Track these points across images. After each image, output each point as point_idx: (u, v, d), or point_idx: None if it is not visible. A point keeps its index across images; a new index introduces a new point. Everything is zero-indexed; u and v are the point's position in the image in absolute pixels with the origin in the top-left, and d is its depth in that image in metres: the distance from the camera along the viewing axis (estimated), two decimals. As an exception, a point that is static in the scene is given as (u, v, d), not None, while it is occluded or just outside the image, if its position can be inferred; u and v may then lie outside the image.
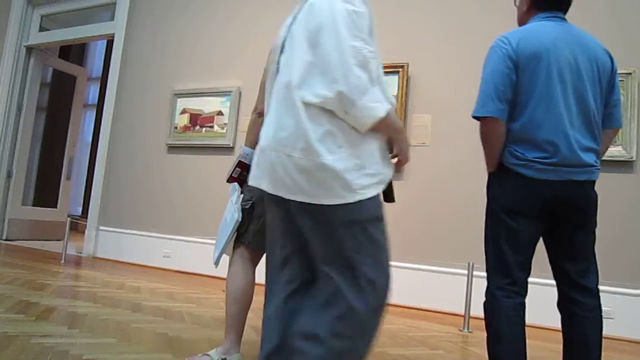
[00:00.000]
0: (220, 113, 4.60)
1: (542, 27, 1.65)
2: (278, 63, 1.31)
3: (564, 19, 1.71)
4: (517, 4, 1.82)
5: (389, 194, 1.35)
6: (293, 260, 1.30)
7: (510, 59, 1.58)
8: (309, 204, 1.17)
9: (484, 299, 1.66)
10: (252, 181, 1.31)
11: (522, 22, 1.79)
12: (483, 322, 1.64)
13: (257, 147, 1.30)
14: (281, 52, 1.30)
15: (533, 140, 1.57)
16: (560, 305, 1.68)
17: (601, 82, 1.64)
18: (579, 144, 1.57)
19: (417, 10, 3.85)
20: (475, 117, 1.62)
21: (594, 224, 1.66)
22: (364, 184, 1.18)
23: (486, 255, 1.69)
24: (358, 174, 1.17)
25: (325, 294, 1.19)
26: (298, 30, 1.23)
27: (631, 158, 3.11)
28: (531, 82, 1.58)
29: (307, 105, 1.16)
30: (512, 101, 1.59)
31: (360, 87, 1.13)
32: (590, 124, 1.61)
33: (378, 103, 1.17)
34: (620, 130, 2.15)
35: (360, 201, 1.17)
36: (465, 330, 2.90)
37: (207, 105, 4.69)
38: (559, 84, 1.57)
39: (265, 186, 1.24)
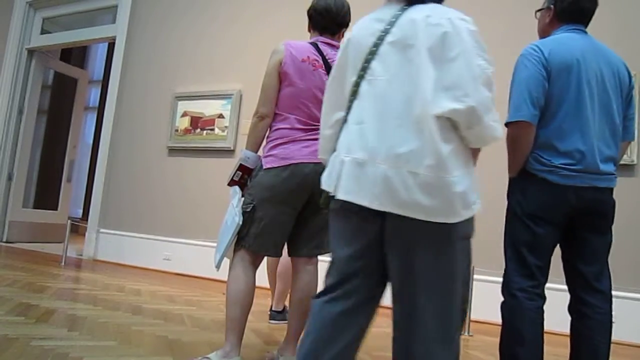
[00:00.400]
0: (221, 116, 4.61)
1: (569, 39, 1.70)
2: (364, 69, 1.25)
3: (586, 32, 1.76)
4: (538, 16, 1.87)
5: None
6: (365, 271, 1.26)
7: (544, 67, 1.62)
8: (426, 222, 1.14)
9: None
10: (345, 195, 1.19)
11: (544, 33, 1.83)
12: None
13: (350, 159, 1.20)
14: (371, 58, 1.24)
15: (560, 147, 1.60)
16: (572, 308, 1.70)
17: (622, 94, 1.70)
18: (601, 154, 1.62)
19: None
20: (506, 124, 1.64)
21: (610, 228, 1.70)
22: (474, 200, 1.20)
23: (506, 258, 1.71)
24: (471, 191, 1.19)
25: (439, 316, 1.19)
26: (416, 41, 1.19)
27: (632, 162, 3.11)
28: (562, 91, 1.61)
29: (436, 120, 1.14)
30: (541, 108, 1.62)
31: (487, 105, 1.16)
32: (613, 134, 1.67)
33: (498, 123, 1.19)
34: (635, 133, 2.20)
35: (469, 218, 1.20)
36: (466, 334, 2.89)
37: (208, 108, 4.69)
38: (587, 95, 1.62)
39: (368, 202, 1.16)
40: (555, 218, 1.63)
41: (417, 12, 1.23)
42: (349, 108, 1.27)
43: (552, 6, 1.79)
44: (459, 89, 1.14)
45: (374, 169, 1.16)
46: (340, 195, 1.20)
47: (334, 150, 1.29)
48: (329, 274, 1.31)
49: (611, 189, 1.67)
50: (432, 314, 1.17)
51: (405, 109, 1.17)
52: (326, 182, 1.28)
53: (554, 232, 1.64)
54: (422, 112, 1.14)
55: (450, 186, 1.14)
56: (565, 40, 1.70)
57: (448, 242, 1.18)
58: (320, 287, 1.35)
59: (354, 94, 1.26)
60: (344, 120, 1.28)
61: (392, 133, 1.16)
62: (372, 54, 1.24)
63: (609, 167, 1.64)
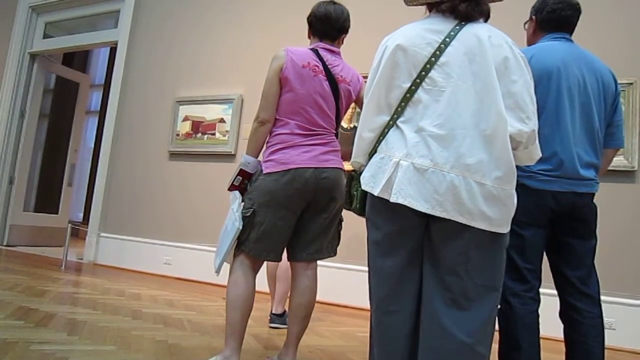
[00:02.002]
0: (222, 120, 4.62)
1: (551, 47, 1.72)
2: (421, 78, 1.26)
3: (571, 40, 1.77)
4: (526, 27, 1.90)
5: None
6: (417, 275, 1.29)
7: None
8: (485, 230, 1.20)
9: None
10: (403, 199, 1.20)
11: (530, 44, 1.86)
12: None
13: (408, 164, 1.21)
14: (430, 68, 1.25)
15: None
16: (563, 315, 1.71)
17: (606, 101, 1.71)
18: (581, 160, 1.64)
19: (409, 12, 3.86)
20: None
21: (593, 233, 1.72)
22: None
23: None
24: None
25: (484, 311, 1.23)
26: (483, 57, 1.23)
27: (633, 168, 3.11)
28: (541, 98, 1.62)
29: (508, 136, 1.20)
30: None
31: (537, 127, 1.26)
32: (593, 141, 1.68)
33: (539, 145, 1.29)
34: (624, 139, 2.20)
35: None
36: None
37: (209, 112, 4.70)
38: (567, 102, 1.64)
39: (430, 207, 1.18)
40: (539, 221, 1.65)
41: (478, 29, 1.27)
42: (397, 113, 1.28)
43: (533, 17, 1.83)
44: (522, 112, 1.22)
45: (440, 177, 1.18)
46: (397, 199, 1.21)
47: (374, 152, 1.32)
48: (375, 285, 1.33)
49: (592, 194, 1.69)
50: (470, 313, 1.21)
51: (472, 121, 1.20)
52: (368, 183, 1.29)
53: (540, 234, 1.66)
54: (495, 126, 1.19)
55: (511, 198, 1.22)
56: (547, 48, 1.72)
57: (499, 248, 1.25)
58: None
59: (407, 100, 1.27)
60: (390, 125, 1.29)
61: (459, 143, 1.19)
62: (430, 63, 1.26)
63: (589, 173, 1.66)
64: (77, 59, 7.79)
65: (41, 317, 2.51)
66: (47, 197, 6.36)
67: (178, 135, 4.84)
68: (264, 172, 1.90)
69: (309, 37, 2.12)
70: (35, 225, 6.11)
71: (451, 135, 1.20)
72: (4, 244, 5.80)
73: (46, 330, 2.28)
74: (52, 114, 6.44)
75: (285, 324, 2.80)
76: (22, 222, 5.99)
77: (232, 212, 1.90)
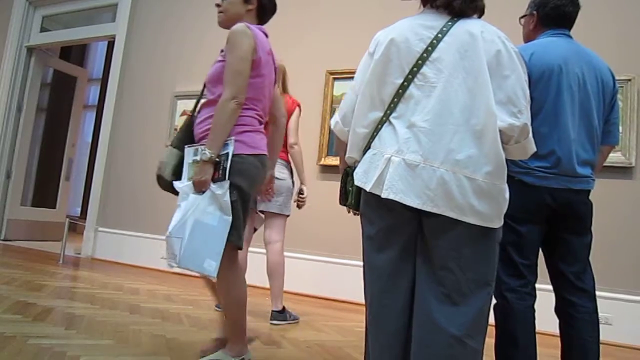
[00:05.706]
0: (220, 115, 4.60)
1: (552, 44, 1.71)
2: (413, 74, 1.25)
3: (570, 36, 1.77)
4: (523, 22, 1.88)
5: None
6: (410, 269, 1.30)
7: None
8: (476, 225, 1.20)
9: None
10: (394, 195, 1.20)
11: (529, 39, 1.85)
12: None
13: (400, 160, 1.21)
14: (422, 64, 1.25)
15: (537, 151, 1.60)
16: (559, 310, 1.73)
17: (604, 99, 1.72)
18: (578, 157, 1.64)
19: (405, 14, 3.85)
20: None
21: (589, 229, 1.73)
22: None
23: None
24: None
25: (476, 306, 1.23)
26: (474, 53, 1.23)
27: (630, 164, 3.12)
28: (541, 95, 1.63)
29: (498, 131, 1.20)
30: None
31: (530, 122, 1.26)
32: (592, 138, 1.68)
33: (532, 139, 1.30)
34: (619, 137, 2.20)
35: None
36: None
37: (207, 107, 4.68)
38: (568, 100, 1.63)
39: (420, 203, 1.18)
40: (535, 217, 1.65)
41: (471, 25, 1.27)
42: (390, 109, 1.28)
43: (535, 12, 1.82)
44: (514, 106, 1.22)
45: (430, 172, 1.19)
46: (388, 195, 1.22)
47: (368, 148, 1.32)
48: (369, 280, 1.34)
49: (588, 191, 1.70)
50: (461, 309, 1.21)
51: (462, 116, 1.20)
52: (361, 179, 1.29)
53: (536, 230, 1.67)
54: (485, 122, 1.19)
55: (502, 193, 1.22)
56: (547, 44, 1.71)
57: (491, 243, 1.26)
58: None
59: (399, 96, 1.27)
60: (383, 121, 1.29)
61: (449, 139, 1.20)
62: (422, 59, 1.26)
63: (585, 170, 1.67)
64: (75, 52, 7.75)
65: (39, 311, 2.51)
66: (44, 192, 6.35)
67: (176, 129, 4.83)
68: (240, 152, 1.77)
69: (242, 17, 1.93)
70: (33, 220, 6.11)
71: (441, 131, 1.20)
72: (2, 238, 5.80)
73: (44, 324, 2.28)
74: (49, 108, 6.41)
75: (286, 320, 2.81)
76: (20, 216, 5.98)
77: (216, 206, 1.77)
